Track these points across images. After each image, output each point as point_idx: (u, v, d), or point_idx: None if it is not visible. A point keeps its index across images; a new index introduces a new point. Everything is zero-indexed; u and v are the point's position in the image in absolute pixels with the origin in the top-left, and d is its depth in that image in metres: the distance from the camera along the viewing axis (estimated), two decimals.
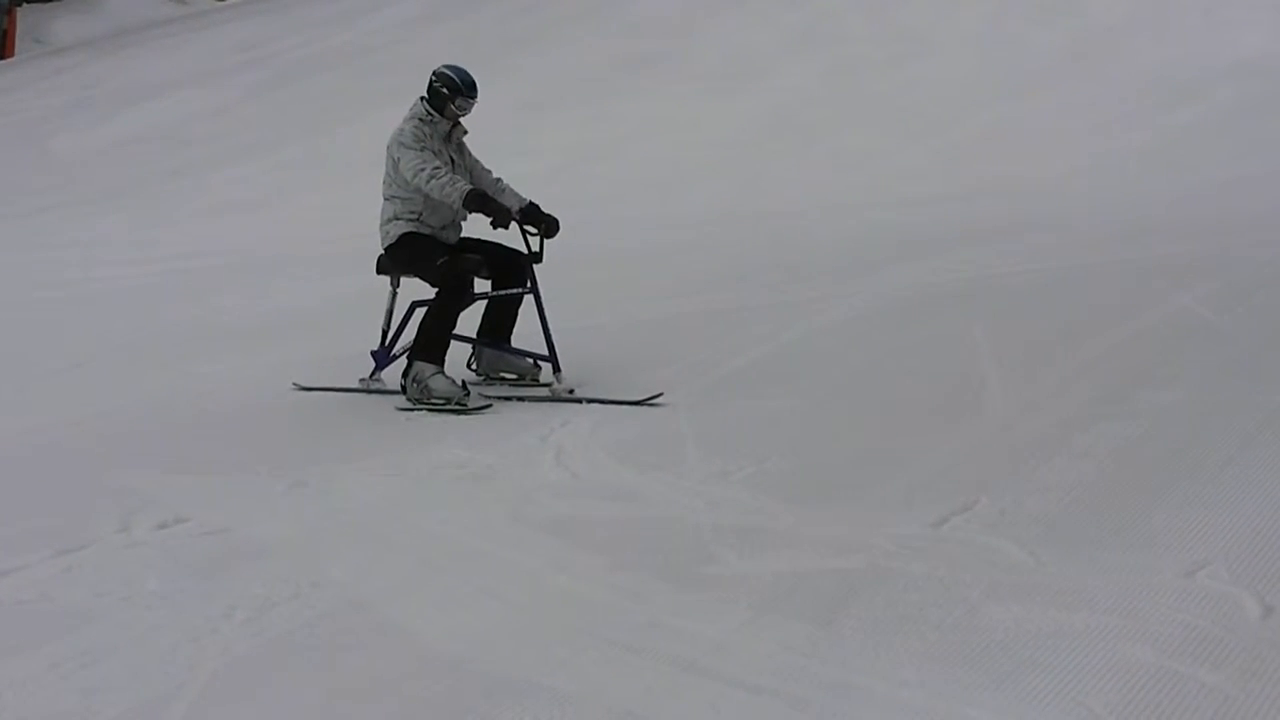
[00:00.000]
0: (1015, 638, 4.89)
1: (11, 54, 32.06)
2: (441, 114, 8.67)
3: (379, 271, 9.04)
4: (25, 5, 33.88)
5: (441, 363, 8.54)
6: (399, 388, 8.67)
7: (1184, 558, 5.51)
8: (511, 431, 7.95)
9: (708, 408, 8.22)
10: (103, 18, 33.97)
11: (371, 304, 12.12)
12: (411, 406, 8.50)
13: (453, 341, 8.66)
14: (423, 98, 8.72)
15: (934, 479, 6.78)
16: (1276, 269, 10.71)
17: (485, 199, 8.40)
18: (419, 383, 8.48)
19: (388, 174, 8.67)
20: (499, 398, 8.66)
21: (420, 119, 8.63)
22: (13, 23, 32.51)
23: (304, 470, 7.37)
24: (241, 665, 5.02)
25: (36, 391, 9.75)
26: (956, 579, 5.45)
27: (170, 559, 6.12)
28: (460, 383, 8.53)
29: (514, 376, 9.05)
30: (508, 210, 8.48)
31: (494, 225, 8.49)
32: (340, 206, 17.84)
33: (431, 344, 8.52)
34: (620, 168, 18.07)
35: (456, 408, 8.38)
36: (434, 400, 8.44)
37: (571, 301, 9.19)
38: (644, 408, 8.19)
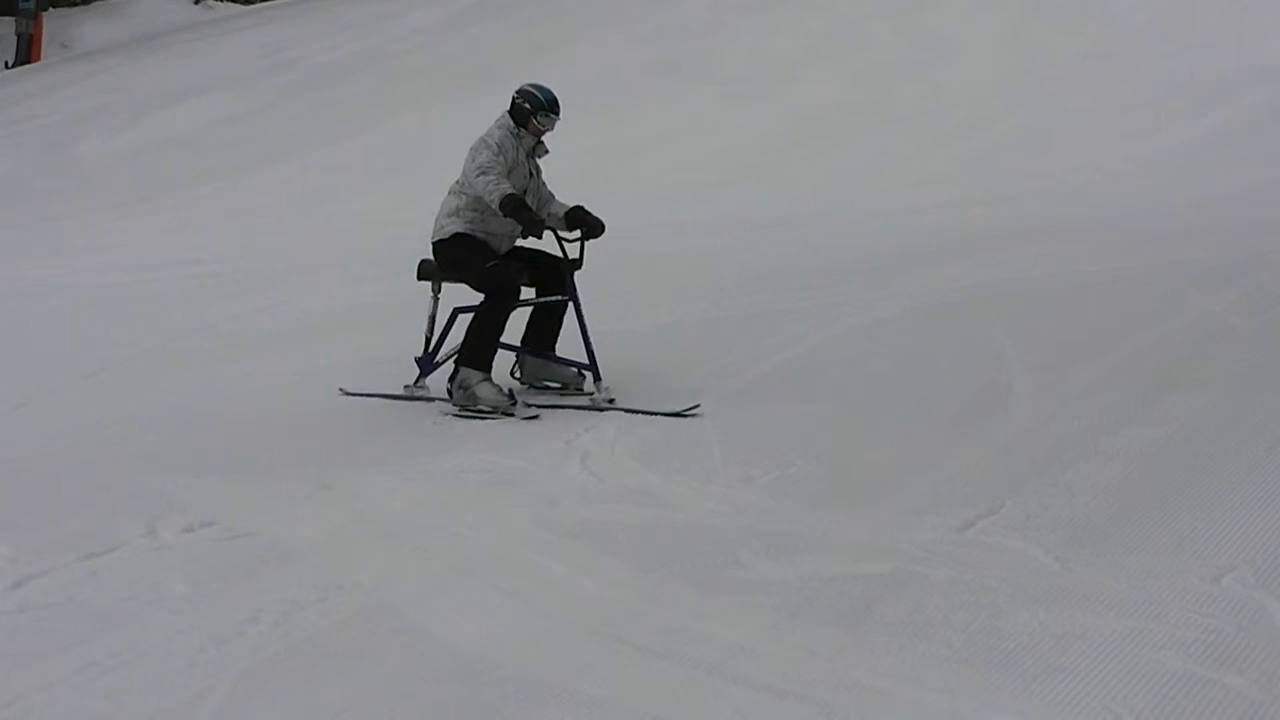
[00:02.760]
0: (1040, 642, 4.89)
1: (38, 59, 32.15)
2: (525, 129, 8.63)
3: (420, 277, 8.93)
4: (51, 10, 34.00)
5: (489, 369, 8.47)
6: (445, 393, 8.61)
7: (1210, 563, 5.50)
8: (537, 435, 7.96)
9: (733, 412, 8.22)
10: (128, 23, 34.08)
11: (399, 308, 12.13)
12: (458, 413, 8.44)
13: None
14: (507, 113, 8.69)
15: (959, 483, 6.78)
16: None
17: (520, 206, 8.26)
18: (465, 389, 8.43)
19: (464, 171, 8.60)
20: (540, 406, 8.53)
21: (508, 130, 8.61)
22: (39, 28, 32.61)
23: (330, 473, 7.39)
24: (268, 669, 5.03)
25: (63, 395, 9.77)
26: (982, 583, 5.45)
27: (196, 562, 6.13)
28: (508, 391, 8.46)
29: (558, 385, 8.92)
30: (540, 221, 8.35)
31: (523, 234, 8.47)
32: (366, 211, 17.89)
33: (478, 350, 8.45)
34: (645, 172, 18.05)
35: (504, 416, 8.31)
36: (480, 408, 8.37)
37: (598, 306, 9.17)
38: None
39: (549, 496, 6.89)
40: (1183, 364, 8.62)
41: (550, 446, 7.74)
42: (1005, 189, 16.16)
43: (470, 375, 8.41)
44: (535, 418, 8.30)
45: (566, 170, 17.98)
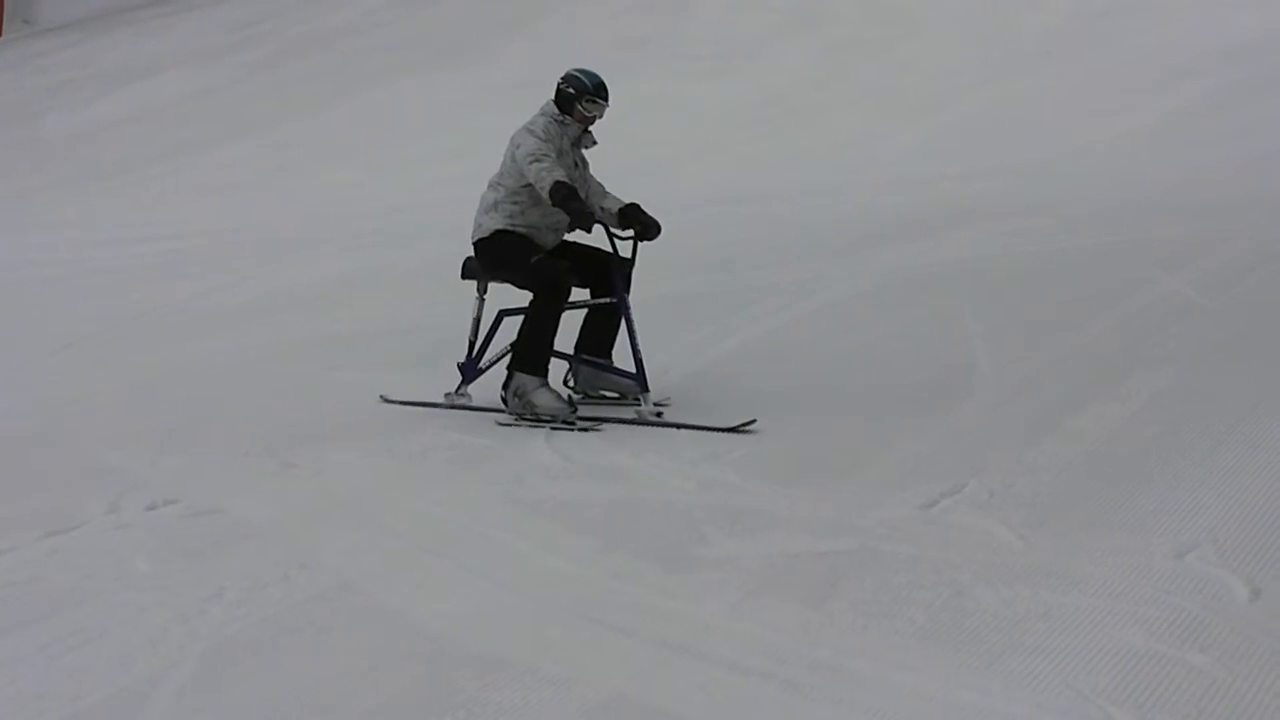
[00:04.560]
0: (1004, 620, 4.91)
1: (0, 35, 31.94)
2: (571, 116, 8.03)
3: (464, 276, 8.31)
4: None
5: (545, 374, 7.88)
6: (499, 400, 7.98)
7: (1173, 540, 5.52)
8: (504, 413, 7.94)
9: (698, 390, 8.22)
10: None
11: (365, 284, 12.15)
12: (513, 421, 7.86)
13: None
14: (551, 100, 8.10)
15: (924, 461, 6.79)
16: (1266, 252, 10.70)
17: (571, 196, 7.62)
18: (521, 396, 7.83)
19: (503, 163, 8.04)
20: (591, 419, 7.87)
21: (553, 117, 8.01)
22: (0, 3, 32.38)
23: (294, 452, 7.38)
24: (231, 646, 5.02)
25: (26, 372, 9.74)
26: (946, 561, 5.46)
27: (160, 540, 6.12)
28: (567, 397, 7.92)
29: (615, 395, 8.26)
30: (590, 214, 7.74)
31: (571, 227, 7.99)
32: (333, 187, 17.84)
33: (532, 353, 7.86)
34: (611, 149, 17.97)
35: (563, 425, 7.73)
36: (538, 415, 7.81)
37: None
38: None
39: (515, 475, 6.89)
40: (1147, 342, 8.64)
41: (517, 425, 7.73)
42: (972, 166, 16.16)
43: (526, 381, 7.84)
44: (597, 429, 7.71)
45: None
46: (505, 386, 7.93)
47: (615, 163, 16.83)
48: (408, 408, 8.21)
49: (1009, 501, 6.09)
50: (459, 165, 18.23)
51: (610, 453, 7.19)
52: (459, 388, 8.24)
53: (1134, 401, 7.52)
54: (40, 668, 4.90)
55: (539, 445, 7.35)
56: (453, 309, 8.79)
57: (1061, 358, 8.43)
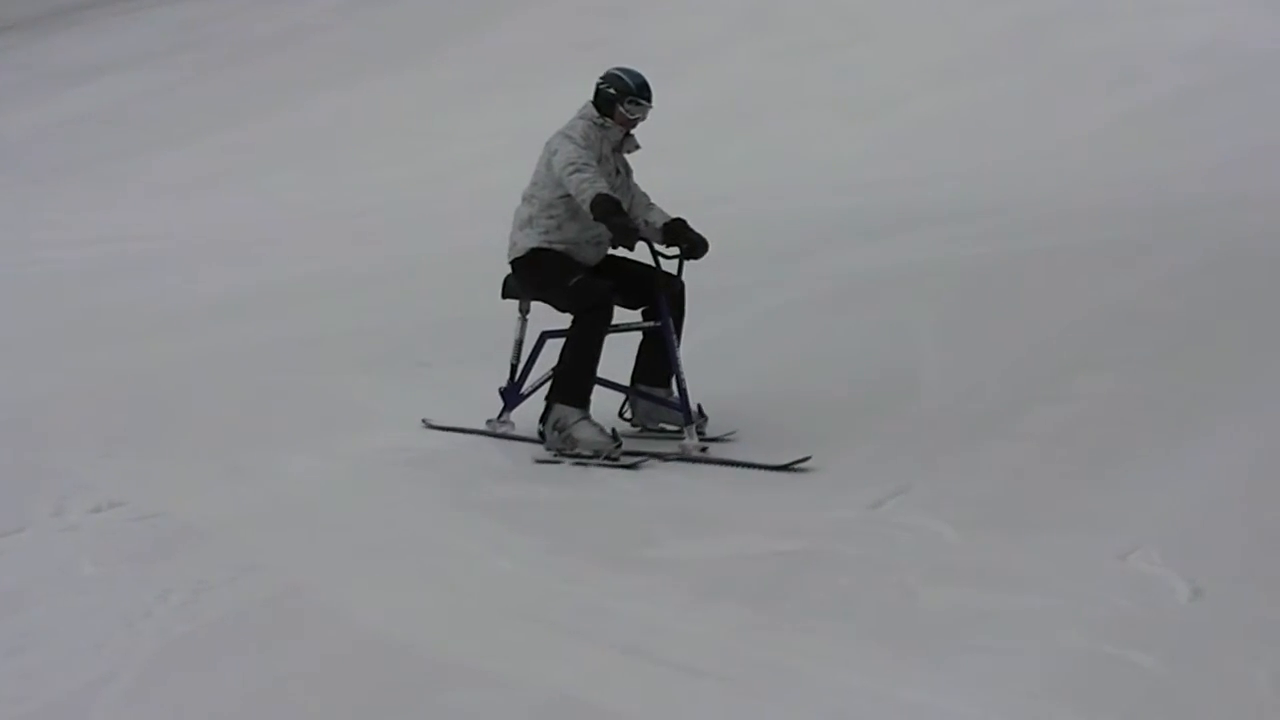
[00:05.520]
0: (949, 620, 4.94)
1: None
2: (612, 118, 7.47)
3: (505, 295, 7.77)
4: None
5: (587, 405, 7.23)
6: (536, 434, 7.39)
7: (1117, 541, 5.56)
8: (455, 416, 7.93)
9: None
10: None
11: (316, 287, 12.08)
12: (553, 459, 7.19)
13: (598, 386, 7.38)
14: (590, 102, 7.52)
15: (871, 462, 6.84)
16: (1214, 256, 10.80)
17: (614, 209, 7.01)
18: (562, 430, 7.17)
19: (536, 173, 7.47)
20: (637, 454, 7.23)
21: (592, 120, 7.44)
22: None
23: (241, 454, 7.35)
24: (178, 649, 4.99)
25: None
26: (892, 562, 5.49)
27: (105, 543, 6.08)
28: (610, 431, 7.21)
29: (675, 429, 7.50)
30: (633, 229, 7.05)
31: (613, 244, 7.27)
32: (284, 189, 17.78)
33: (573, 384, 7.21)
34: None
35: (607, 462, 7.07)
36: (579, 452, 7.14)
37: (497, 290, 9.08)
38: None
39: (465, 476, 6.90)
40: (1095, 344, 8.71)
41: (557, 462, 7.71)
42: (922, 169, 16.23)
43: (566, 414, 7.19)
44: (645, 465, 7.07)
45: (476, 151, 18.04)
46: (543, 419, 7.31)
47: None
48: (354, 405, 8.19)
49: (955, 502, 6.14)
50: (414, 168, 18.26)
51: (560, 455, 7.19)
52: (501, 414, 7.70)
53: (1079, 404, 7.59)
54: None
55: (489, 448, 7.34)
56: (406, 311, 8.79)
57: (1008, 360, 8.49)
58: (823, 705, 4.38)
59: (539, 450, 7.31)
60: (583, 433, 7.13)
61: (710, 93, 20.35)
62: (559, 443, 7.19)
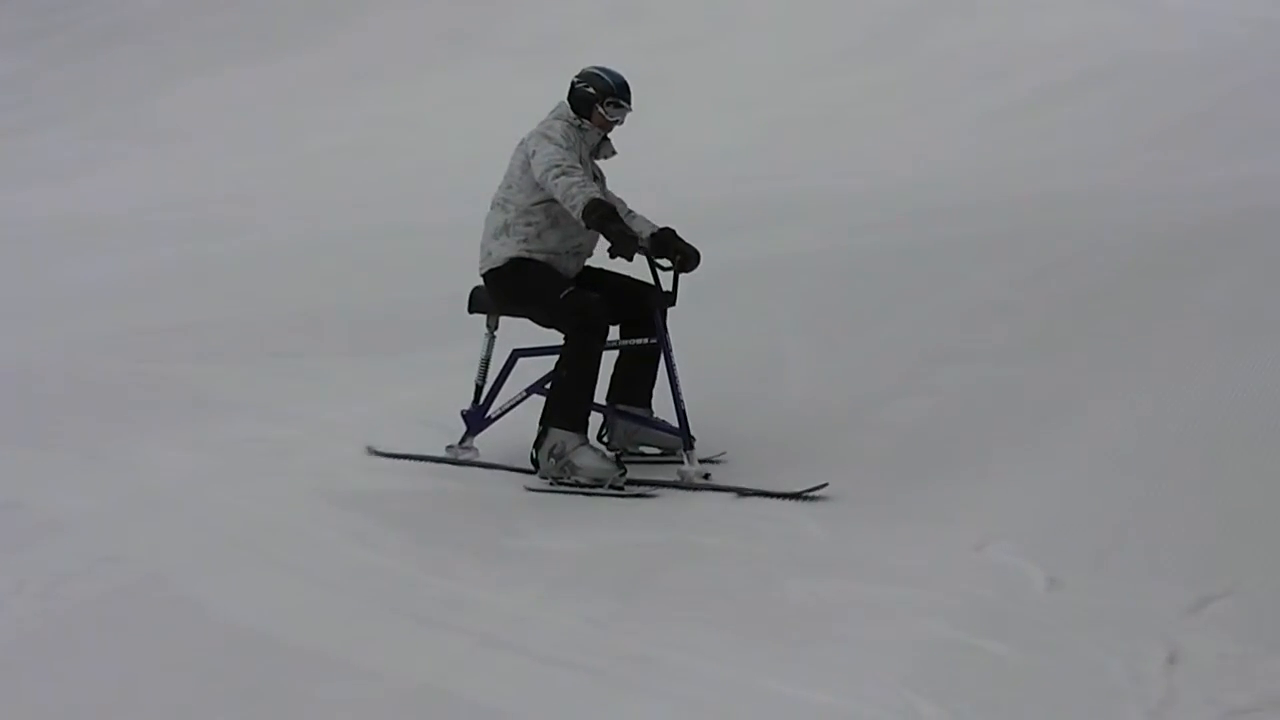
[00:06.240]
0: (811, 610, 4.98)
1: None
2: (589, 120, 6.97)
3: (472, 309, 7.21)
4: None
5: (585, 429, 6.67)
6: (529, 460, 6.73)
7: (975, 532, 5.65)
8: (314, 406, 7.87)
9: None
10: None
11: (181, 277, 11.93)
12: (548, 487, 6.61)
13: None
14: (564, 102, 7.05)
15: (733, 455, 6.88)
16: (1079, 247, 10.96)
17: (611, 216, 6.47)
18: (560, 457, 6.59)
19: (509, 175, 6.93)
20: (643, 482, 6.70)
21: (569, 121, 6.92)
22: None
23: (100, 443, 7.24)
24: (32, 641, 4.91)
25: None
26: (754, 553, 5.54)
27: None
28: (614, 457, 6.71)
29: (657, 451, 7.16)
30: (633, 237, 6.52)
31: (612, 254, 6.55)
32: (147, 176, 17.54)
33: (570, 406, 6.64)
34: (430, 144, 17.92)
35: (610, 491, 6.53)
36: (579, 480, 6.58)
37: (359, 278, 9.05)
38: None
39: (327, 466, 6.85)
40: (958, 336, 8.82)
41: (329, 417, 7.67)
42: (789, 163, 16.36)
43: (564, 439, 6.60)
44: (650, 495, 6.52)
45: (346, 140, 17.90)
46: (537, 445, 6.68)
47: (433, 156, 16.70)
48: (213, 397, 8.10)
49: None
50: (284, 156, 18.06)
51: (422, 446, 7.16)
52: (463, 439, 7.09)
53: (943, 395, 7.69)
54: None
55: (351, 438, 7.29)
56: (268, 301, 8.67)
57: (872, 352, 8.58)
58: (683, 696, 4.40)
59: (531, 480, 6.71)
60: (584, 459, 6.58)
61: None
62: (556, 470, 6.61)
